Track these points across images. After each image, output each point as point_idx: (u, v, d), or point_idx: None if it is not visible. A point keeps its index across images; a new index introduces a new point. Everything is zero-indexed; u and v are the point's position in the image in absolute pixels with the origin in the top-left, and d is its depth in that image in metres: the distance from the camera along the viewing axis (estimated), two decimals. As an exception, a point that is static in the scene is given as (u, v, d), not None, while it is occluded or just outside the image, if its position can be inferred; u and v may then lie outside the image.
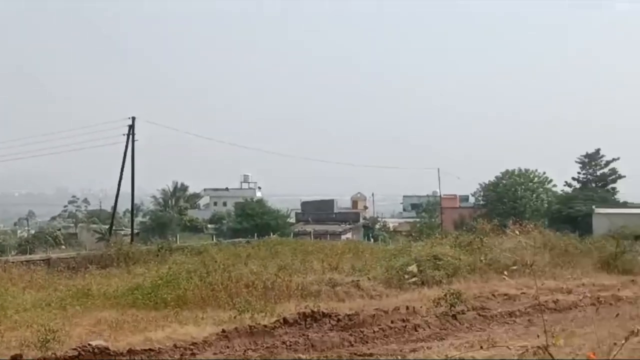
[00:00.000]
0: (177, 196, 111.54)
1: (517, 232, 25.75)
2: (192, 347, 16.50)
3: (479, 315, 20.61)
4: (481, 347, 13.78)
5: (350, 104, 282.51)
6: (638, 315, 18.92)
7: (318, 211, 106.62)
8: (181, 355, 15.95)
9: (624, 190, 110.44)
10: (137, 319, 20.64)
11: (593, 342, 12.86)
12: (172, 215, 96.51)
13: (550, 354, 5.11)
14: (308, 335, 17.55)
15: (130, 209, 71.11)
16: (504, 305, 22.55)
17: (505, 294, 24.39)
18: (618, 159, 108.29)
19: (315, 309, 20.05)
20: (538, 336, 15.67)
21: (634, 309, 20.68)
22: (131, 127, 61.45)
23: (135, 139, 61.70)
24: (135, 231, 70.19)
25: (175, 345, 16.55)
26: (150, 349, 16.09)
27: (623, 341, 5.25)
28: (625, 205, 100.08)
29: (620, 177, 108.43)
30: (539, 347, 5.32)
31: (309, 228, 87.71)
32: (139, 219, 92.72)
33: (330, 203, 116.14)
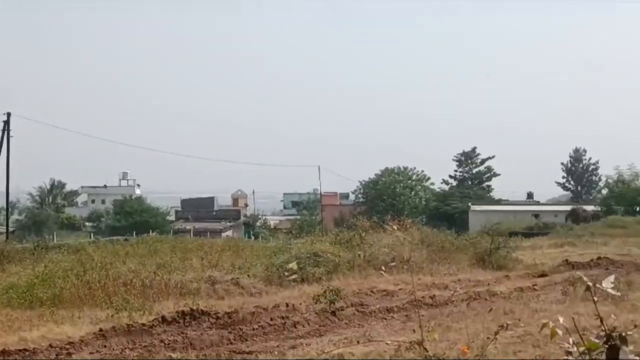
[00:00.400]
0: (54, 194, 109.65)
1: (395, 228, 26.15)
2: (68, 346, 16.17)
3: (358, 311, 20.78)
4: (357, 343, 13.92)
5: (232, 99, 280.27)
6: (511, 309, 19.38)
7: (198, 209, 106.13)
8: (57, 355, 15.61)
9: (498, 188, 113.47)
10: (11, 318, 20.13)
11: (468, 337, 13.12)
12: (48, 213, 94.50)
13: (425, 349, 5.16)
14: (187, 334, 17.42)
15: (5, 206, 69.46)
16: (383, 301, 22.80)
17: (384, 290, 24.67)
18: (493, 157, 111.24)
19: (194, 307, 19.94)
20: (414, 331, 15.92)
21: (507, 303, 21.17)
22: (6, 123, 60.04)
23: (11, 135, 60.40)
24: (11, 229, 68.60)
25: (50, 345, 16.20)
26: (24, 349, 15.72)
27: (494, 335, 5.32)
28: (499, 202, 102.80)
29: (495, 175, 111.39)
30: (413, 342, 5.37)
31: (189, 226, 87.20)
32: (14, 216, 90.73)
33: (210, 201, 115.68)
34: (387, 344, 12.16)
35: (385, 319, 19.95)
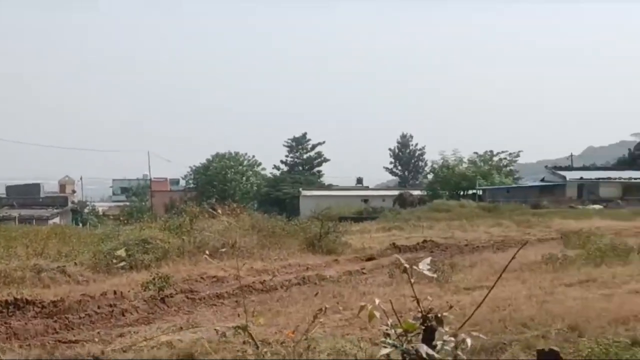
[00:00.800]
0: None
1: (220, 212, 25.96)
2: None
3: (188, 298, 20.68)
4: (181, 329, 13.85)
5: (58, 83, 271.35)
6: (340, 293, 19.68)
7: (24, 195, 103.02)
8: None
9: (329, 173, 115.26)
10: None
11: (297, 321, 13.24)
12: None
13: (249, 334, 5.15)
14: (10, 324, 16.91)
15: None
16: (213, 288, 22.77)
17: (214, 276, 24.62)
18: (323, 142, 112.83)
19: (18, 297, 19.39)
20: (239, 315, 15.96)
21: (336, 287, 21.49)
22: None
23: None
24: None
25: None
26: None
27: (313, 319, 5.37)
28: (330, 187, 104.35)
29: (325, 160, 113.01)
30: (238, 326, 5.35)
31: (14, 213, 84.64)
32: None
33: (36, 187, 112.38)
34: (215, 330, 12.14)
35: (215, 305, 19.92)
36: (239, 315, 14.59)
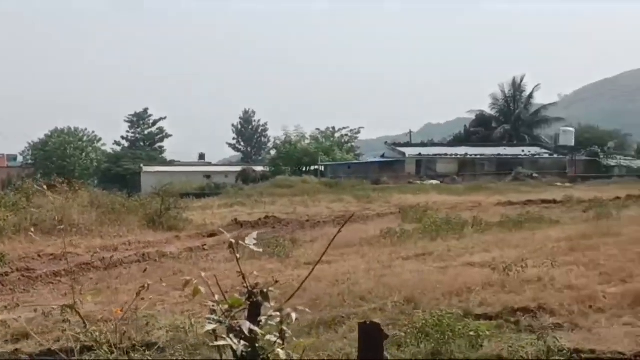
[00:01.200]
0: None
1: (45, 188, 25.22)
2: None
3: (24, 276, 20.24)
4: (9, 307, 13.55)
5: None
6: (180, 270, 19.57)
7: None
8: None
9: (171, 149, 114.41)
10: None
11: (132, 298, 13.11)
12: None
13: (77, 312, 5.07)
14: None
15: None
16: (50, 265, 22.29)
17: (51, 254, 24.10)
18: (165, 118, 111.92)
19: None
20: (65, 294, 15.70)
21: (177, 264, 21.41)
22: None
23: None
24: None
25: None
26: None
27: (136, 296, 5.36)
28: (172, 163, 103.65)
29: (167, 136, 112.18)
30: (66, 305, 5.26)
31: None
32: None
33: None
34: (53, 308, 11.91)
35: (53, 283, 19.57)
36: (65, 294, 14.31)
